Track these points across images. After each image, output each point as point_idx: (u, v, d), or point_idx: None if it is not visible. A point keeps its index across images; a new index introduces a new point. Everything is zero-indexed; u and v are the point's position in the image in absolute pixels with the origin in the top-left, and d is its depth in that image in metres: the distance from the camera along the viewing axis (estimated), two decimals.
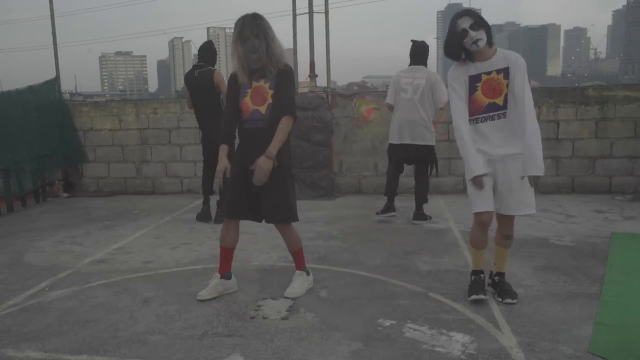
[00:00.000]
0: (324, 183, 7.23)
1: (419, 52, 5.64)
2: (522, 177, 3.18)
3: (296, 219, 3.62)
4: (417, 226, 5.59)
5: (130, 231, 5.66)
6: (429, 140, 5.58)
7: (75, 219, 6.39)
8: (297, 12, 7.56)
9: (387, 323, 3.17)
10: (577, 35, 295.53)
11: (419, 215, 5.71)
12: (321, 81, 7.77)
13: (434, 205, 6.46)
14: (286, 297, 3.59)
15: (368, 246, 4.84)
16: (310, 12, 7.52)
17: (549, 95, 7.12)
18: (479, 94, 3.25)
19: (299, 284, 3.69)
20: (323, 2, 7.56)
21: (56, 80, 8.03)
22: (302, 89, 7.77)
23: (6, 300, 3.73)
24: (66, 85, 8.92)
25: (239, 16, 3.37)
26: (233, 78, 3.50)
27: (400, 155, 5.70)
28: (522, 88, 3.15)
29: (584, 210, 6.09)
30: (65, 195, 7.92)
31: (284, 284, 3.85)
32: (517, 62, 3.19)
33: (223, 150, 3.49)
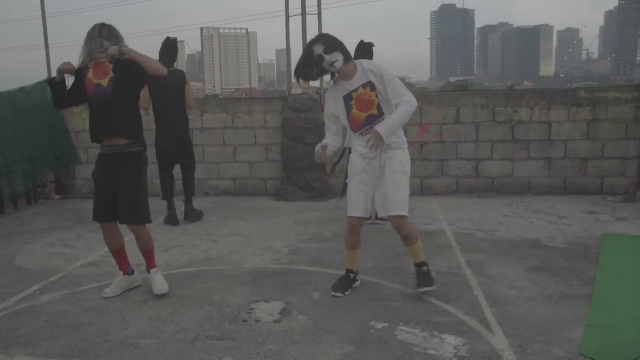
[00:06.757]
0: (317, 184, 7.23)
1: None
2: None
3: (149, 220, 3.74)
4: None
5: (122, 233, 5.61)
6: None
7: (67, 221, 6.35)
8: (290, 13, 7.56)
9: (380, 325, 3.18)
10: (570, 35, 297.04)
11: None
12: (314, 82, 7.75)
13: (427, 206, 6.48)
14: (157, 295, 3.69)
15: (360, 248, 4.83)
16: (303, 14, 7.52)
17: (541, 96, 7.16)
18: (355, 111, 3.44)
19: (161, 279, 3.78)
20: (316, 3, 7.56)
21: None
22: (295, 91, 7.76)
23: None
24: None
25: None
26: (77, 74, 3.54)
27: None
28: (394, 90, 3.33)
29: (576, 211, 6.12)
30: (57, 197, 7.86)
31: (276, 287, 3.86)
32: (378, 72, 3.36)
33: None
